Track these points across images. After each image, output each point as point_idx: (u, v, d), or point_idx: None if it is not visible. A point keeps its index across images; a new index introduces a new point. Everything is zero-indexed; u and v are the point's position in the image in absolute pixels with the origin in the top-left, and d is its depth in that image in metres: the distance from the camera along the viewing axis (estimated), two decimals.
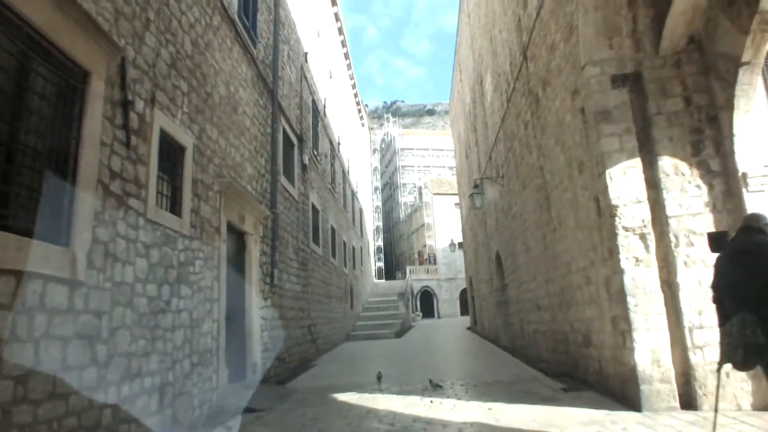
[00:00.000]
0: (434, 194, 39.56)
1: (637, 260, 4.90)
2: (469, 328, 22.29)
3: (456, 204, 38.48)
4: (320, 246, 13.48)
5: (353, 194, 23.10)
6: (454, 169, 48.58)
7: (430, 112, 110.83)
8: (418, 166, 49.35)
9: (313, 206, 12.95)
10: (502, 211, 11.31)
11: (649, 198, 5.04)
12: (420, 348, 13.82)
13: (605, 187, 5.10)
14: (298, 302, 10.47)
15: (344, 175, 20.12)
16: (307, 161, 11.95)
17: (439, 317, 36.50)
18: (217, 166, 6.40)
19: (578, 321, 6.29)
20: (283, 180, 9.79)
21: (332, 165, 16.90)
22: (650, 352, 4.70)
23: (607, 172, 5.08)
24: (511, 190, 10.10)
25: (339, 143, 18.58)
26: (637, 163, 5.10)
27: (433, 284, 38.10)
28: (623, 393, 4.97)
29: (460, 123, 19.99)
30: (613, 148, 5.13)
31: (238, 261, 7.32)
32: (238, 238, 7.37)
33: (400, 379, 8.01)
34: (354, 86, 25.45)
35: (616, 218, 5.00)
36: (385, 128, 54.96)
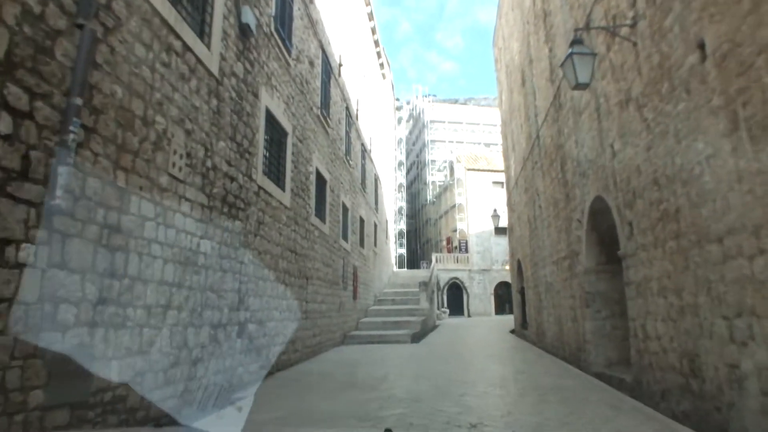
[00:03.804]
0: (468, 170, 33.58)
1: None
2: (512, 332, 16.63)
3: (494, 182, 32.59)
4: (286, 190, 8.07)
5: (364, 149, 17.60)
6: (491, 146, 42.47)
7: None
8: (450, 141, 42.79)
9: (271, 115, 7.53)
10: (622, 103, 5.64)
11: None
12: (450, 367, 8.25)
13: None
14: (210, 275, 5.08)
15: (349, 115, 14.63)
16: (251, 22, 6.53)
17: (469, 315, 30.69)
18: None
19: None
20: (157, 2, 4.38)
21: (325, 84, 11.43)
22: None
23: None
24: (676, 41, 4.44)
25: (341, 65, 13.11)
26: None
27: (463, 276, 32.23)
28: None
29: (513, 44, 14.24)
30: None
31: None
32: None
33: None
34: (372, 17, 19.93)
35: None
36: (413, 102, 48.76)
